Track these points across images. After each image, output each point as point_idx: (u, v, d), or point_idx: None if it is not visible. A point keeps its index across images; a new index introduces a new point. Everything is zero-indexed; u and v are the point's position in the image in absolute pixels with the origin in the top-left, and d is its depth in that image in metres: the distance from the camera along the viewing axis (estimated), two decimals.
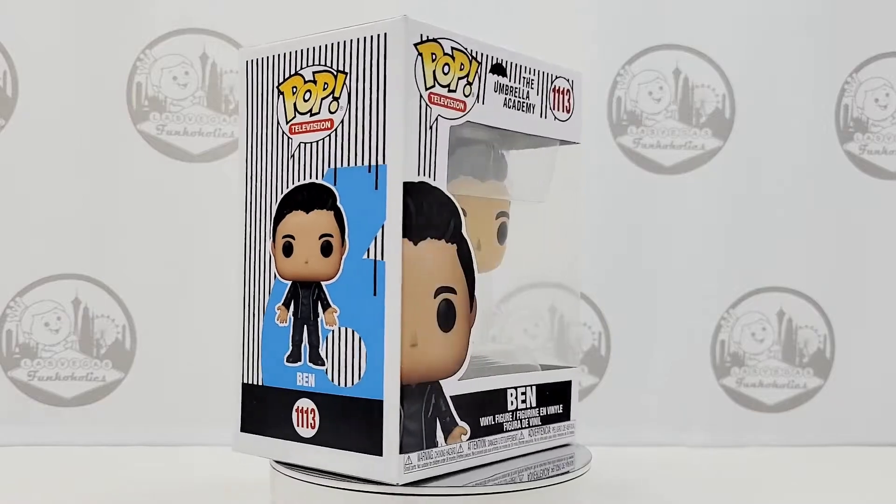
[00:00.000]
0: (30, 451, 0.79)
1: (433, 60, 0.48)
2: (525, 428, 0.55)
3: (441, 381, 0.49)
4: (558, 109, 0.57)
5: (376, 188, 0.48)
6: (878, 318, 0.88)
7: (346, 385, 0.49)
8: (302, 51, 0.52)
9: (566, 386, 0.59)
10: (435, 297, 0.49)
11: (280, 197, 0.53)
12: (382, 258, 0.48)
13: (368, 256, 0.48)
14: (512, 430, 0.54)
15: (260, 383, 0.54)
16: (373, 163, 0.48)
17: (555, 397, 0.58)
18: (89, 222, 0.82)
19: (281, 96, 0.53)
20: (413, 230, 0.47)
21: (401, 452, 0.47)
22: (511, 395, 0.54)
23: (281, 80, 0.53)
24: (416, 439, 0.47)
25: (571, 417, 0.59)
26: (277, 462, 0.52)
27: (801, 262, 0.88)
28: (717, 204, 0.87)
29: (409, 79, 0.47)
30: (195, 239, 0.83)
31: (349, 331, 0.49)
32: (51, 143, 0.82)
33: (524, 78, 0.54)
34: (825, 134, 0.88)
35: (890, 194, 0.88)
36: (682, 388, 0.87)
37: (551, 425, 0.57)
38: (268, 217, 0.54)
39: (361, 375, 0.48)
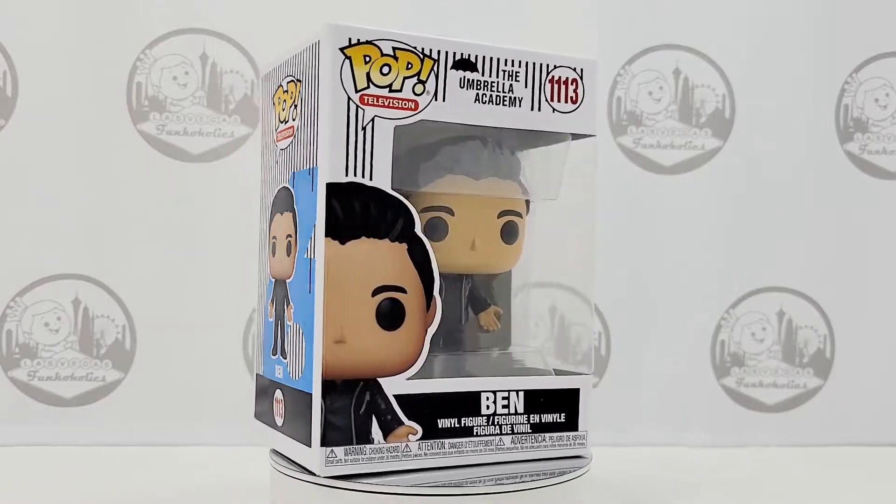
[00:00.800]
0: (30, 451, 0.79)
1: (367, 62, 0.49)
2: (507, 434, 0.53)
3: (381, 380, 0.49)
4: (559, 101, 0.55)
5: (312, 190, 0.49)
6: (878, 318, 0.88)
7: (296, 378, 0.51)
8: (286, 62, 0.54)
9: (571, 394, 0.56)
10: (374, 296, 0.49)
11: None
12: (314, 257, 0.49)
13: (307, 255, 0.50)
14: (486, 436, 0.53)
15: (261, 374, 0.57)
16: (311, 165, 0.50)
17: (553, 405, 0.55)
18: (89, 222, 0.82)
19: (273, 107, 0.56)
20: (338, 229, 0.48)
21: (322, 445, 0.48)
22: (487, 398, 0.53)
23: (273, 92, 0.56)
24: (342, 434, 0.48)
25: (580, 428, 0.56)
26: (276, 460, 0.53)
27: (801, 262, 0.88)
28: (717, 204, 0.87)
29: (335, 83, 0.48)
30: (195, 239, 0.83)
31: (297, 326, 0.51)
32: (51, 144, 0.82)
33: (504, 71, 0.53)
34: (825, 134, 0.88)
35: (890, 194, 0.88)
36: (682, 388, 0.87)
37: (547, 434, 0.55)
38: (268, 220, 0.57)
39: (303, 369, 0.50)
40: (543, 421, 0.55)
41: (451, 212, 0.54)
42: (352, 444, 0.49)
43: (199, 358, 0.83)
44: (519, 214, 0.57)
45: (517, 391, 0.54)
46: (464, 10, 0.84)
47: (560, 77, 0.55)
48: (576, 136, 0.57)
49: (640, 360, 0.87)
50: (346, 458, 0.49)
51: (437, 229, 0.54)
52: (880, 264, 0.88)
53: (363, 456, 0.49)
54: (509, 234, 0.56)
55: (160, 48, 0.83)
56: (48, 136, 0.82)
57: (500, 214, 0.56)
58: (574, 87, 0.55)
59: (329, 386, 0.48)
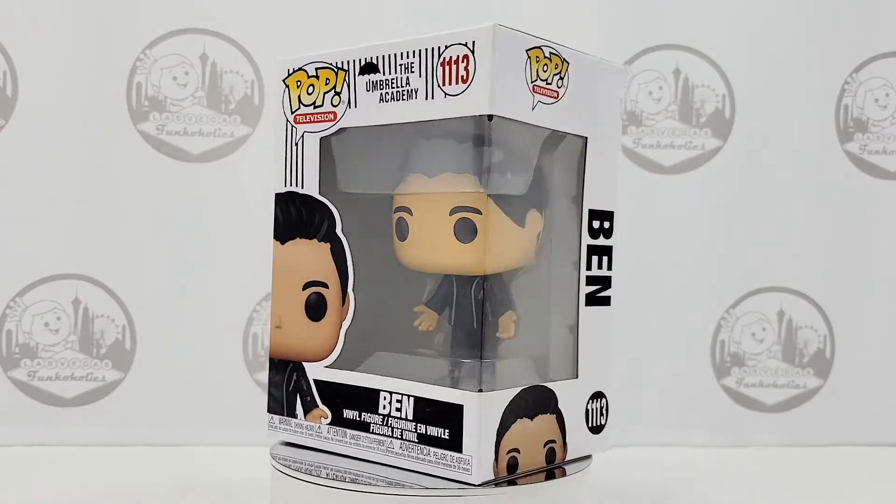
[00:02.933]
0: (30, 451, 0.79)
1: (298, 87, 0.56)
2: (396, 438, 0.51)
3: (305, 364, 0.55)
4: (449, 83, 0.49)
5: None
6: (878, 318, 0.88)
7: None
8: None
9: (455, 410, 0.48)
10: (304, 290, 0.56)
11: None
12: None
13: None
14: (380, 435, 0.52)
15: None
16: None
17: (438, 419, 0.49)
18: (89, 222, 0.82)
19: None
20: (279, 232, 0.57)
21: (268, 412, 0.57)
22: (384, 398, 0.52)
23: None
24: (278, 405, 0.57)
25: (464, 451, 0.48)
26: (277, 461, 0.53)
27: (801, 262, 0.88)
28: (717, 204, 0.87)
29: (279, 110, 0.57)
30: (195, 239, 0.83)
31: None
32: (51, 144, 0.82)
33: (401, 65, 0.51)
34: (825, 134, 0.88)
35: (890, 194, 0.88)
36: (682, 388, 0.87)
37: (431, 449, 0.49)
38: None
39: None
40: (429, 433, 0.50)
41: (409, 211, 0.54)
42: (283, 415, 0.56)
43: (199, 358, 0.83)
44: (475, 210, 0.50)
45: (409, 396, 0.51)
46: (462, 13, 0.84)
47: (451, 57, 0.48)
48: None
49: (640, 360, 0.87)
50: (281, 426, 0.57)
51: (401, 229, 0.54)
52: (880, 264, 0.88)
53: (290, 428, 0.56)
54: (462, 231, 0.51)
55: (160, 48, 0.83)
56: (48, 136, 0.82)
57: (452, 212, 0.51)
58: (465, 64, 0.48)
59: (272, 363, 0.57)
